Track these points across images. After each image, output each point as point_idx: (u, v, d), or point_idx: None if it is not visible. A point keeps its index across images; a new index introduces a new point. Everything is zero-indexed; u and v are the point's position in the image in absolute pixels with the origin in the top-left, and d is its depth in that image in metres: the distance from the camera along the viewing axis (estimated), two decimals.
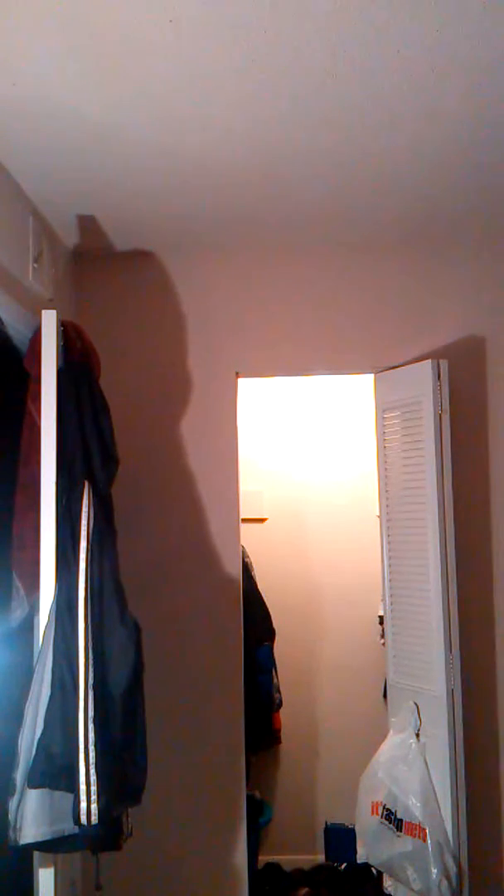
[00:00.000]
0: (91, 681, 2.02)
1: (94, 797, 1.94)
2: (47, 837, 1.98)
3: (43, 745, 1.99)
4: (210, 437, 3.01)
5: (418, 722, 2.71)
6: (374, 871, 3.05)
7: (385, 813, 2.67)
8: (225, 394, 3.03)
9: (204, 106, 1.98)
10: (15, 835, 1.97)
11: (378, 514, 3.05)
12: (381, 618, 3.39)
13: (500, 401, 3.00)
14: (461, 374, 2.90)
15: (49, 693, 2.03)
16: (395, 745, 2.77)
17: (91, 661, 2.03)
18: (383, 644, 3.14)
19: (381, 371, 3.02)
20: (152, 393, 3.02)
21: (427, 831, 2.52)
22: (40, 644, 2.10)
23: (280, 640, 3.58)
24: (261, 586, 3.56)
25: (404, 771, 2.66)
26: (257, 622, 3.41)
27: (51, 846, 2.01)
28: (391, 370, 2.98)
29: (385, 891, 2.81)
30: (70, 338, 2.31)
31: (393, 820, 2.64)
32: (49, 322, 2.21)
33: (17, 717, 2.06)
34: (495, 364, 3.00)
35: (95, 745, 1.97)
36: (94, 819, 1.94)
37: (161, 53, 1.75)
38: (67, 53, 1.75)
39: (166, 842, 2.84)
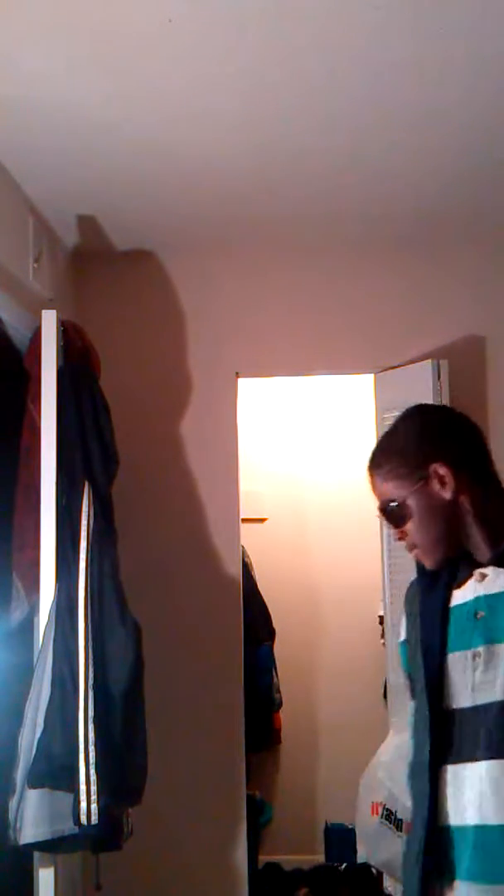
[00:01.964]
0: (91, 681, 2.02)
1: (94, 797, 1.94)
2: (47, 837, 1.98)
3: (43, 745, 1.99)
4: (210, 437, 3.01)
5: None
6: (374, 871, 3.05)
7: (385, 813, 2.66)
8: (225, 394, 3.03)
9: (203, 106, 1.98)
10: (15, 835, 1.97)
11: (378, 513, 3.04)
12: (381, 618, 3.38)
13: (500, 401, 2.99)
14: (461, 374, 2.89)
15: (49, 693, 2.03)
16: (395, 745, 2.76)
17: (91, 661, 2.03)
18: (383, 644, 3.14)
19: (381, 371, 3.01)
20: (152, 393, 3.02)
21: None
22: (40, 644, 2.10)
23: (280, 640, 3.58)
24: (261, 586, 3.56)
25: (404, 771, 2.65)
26: (257, 622, 3.41)
27: (51, 846, 2.01)
28: (391, 370, 2.97)
29: (385, 891, 2.81)
30: (70, 338, 2.31)
31: (393, 820, 2.63)
32: (49, 322, 2.21)
33: (17, 717, 2.06)
34: (495, 364, 3.00)
35: (95, 745, 1.97)
36: (94, 819, 1.94)
37: (160, 53, 1.75)
38: (67, 53, 1.75)
39: (166, 842, 2.84)
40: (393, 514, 1.35)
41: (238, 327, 3.04)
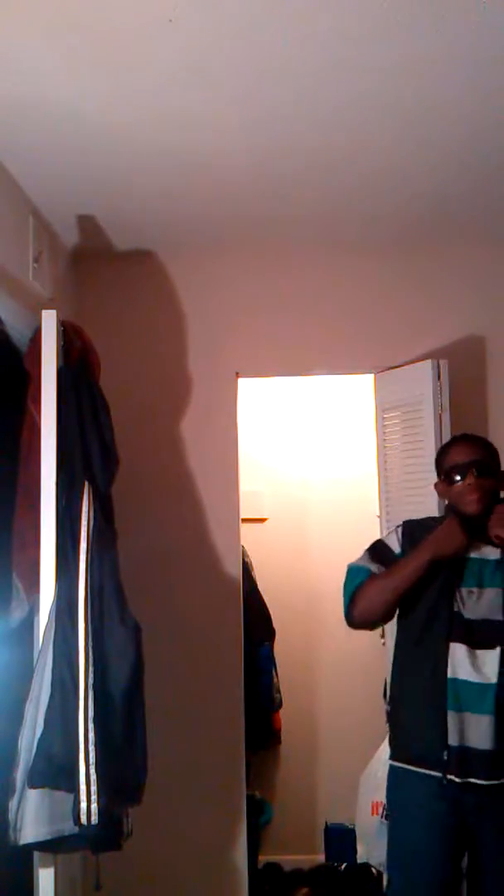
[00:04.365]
0: (91, 681, 2.02)
1: (94, 797, 1.94)
2: (47, 837, 1.98)
3: (43, 745, 1.99)
4: (210, 437, 3.01)
5: None
6: (374, 871, 3.05)
7: (385, 813, 2.66)
8: (225, 394, 3.03)
9: (204, 106, 1.98)
10: (15, 835, 1.97)
11: (378, 514, 3.05)
12: None
13: (500, 400, 3.00)
14: (461, 374, 2.89)
15: (49, 693, 2.03)
16: None
17: (91, 661, 2.03)
18: (383, 644, 3.14)
19: (381, 371, 3.01)
20: (152, 393, 3.02)
21: None
22: (40, 644, 2.10)
23: (280, 640, 3.58)
24: (261, 586, 3.55)
25: None
26: (257, 622, 3.40)
27: (51, 846, 2.01)
28: (391, 370, 2.98)
29: (385, 891, 2.80)
30: (70, 338, 2.31)
31: None
32: (49, 322, 2.21)
33: (17, 717, 2.06)
34: (495, 364, 3.00)
35: (95, 745, 1.97)
36: (94, 819, 1.94)
37: (160, 53, 1.75)
38: (67, 54, 1.75)
39: (166, 842, 2.84)
40: (492, 467, 2.07)
41: (238, 327, 3.04)
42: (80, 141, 2.14)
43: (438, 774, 1.96)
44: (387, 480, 2.97)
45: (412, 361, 2.91)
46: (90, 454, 2.23)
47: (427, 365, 2.78)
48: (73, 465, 2.18)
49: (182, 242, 2.95)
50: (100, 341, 2.48)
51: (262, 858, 3.43)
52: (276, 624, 3.56)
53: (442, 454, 2.16)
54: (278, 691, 3.56)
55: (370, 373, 3.07)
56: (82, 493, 2.16)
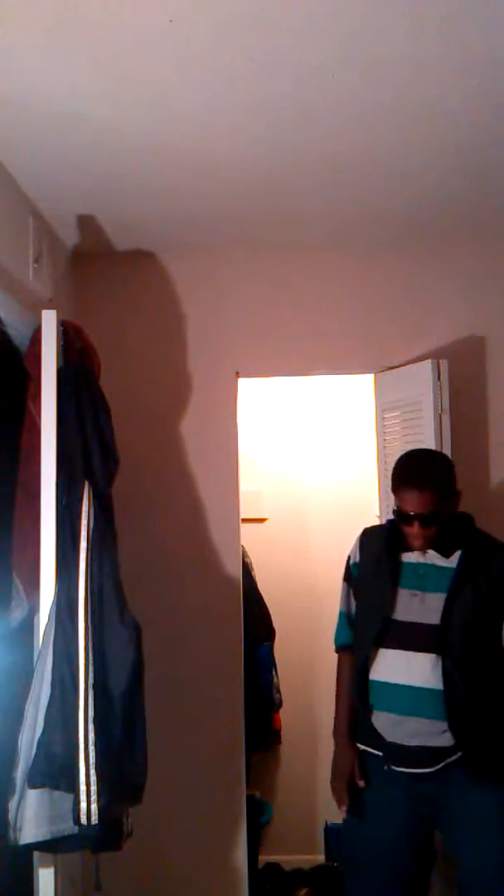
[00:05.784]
0: (91, 681, 2.02)
1: (94, 797, 1.94)
2: (47, 837, 1.98)
3: (43, 744, 1.99)
4: (210, 436, 3.01)
5: None
6: None
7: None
8: (225, 393, 3.03)
9: (204, 106, 1.98)
10: (15, 835, 1.97)
11: (378, 514, 3.05)
12: None
13: (500, 400, 3.00)
14: (461, 374, 2.89)
15: (49, 693, 2.03)
16: None
17: (91, 661, 2.03)
18: None
19: (381, 371, 3.01)
20: (152, 393, 3.02)
21: None
22: (40, 644, 2.10)
23: (280, 640, 3.58)
24: (261, 586, 3.55)
25: None
26: (257, 622, 3.40)
27: (51, 846, 2.01)
28: (391, 370, 2.98)
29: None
30: (70, 338, 2.31)
31: None
32: (49, 322, 2.21)
33: (18, 717, 2.06)
34: (495, 364, 3.00)
35: (95, 745, 1.97)
36: (94, 819, 1.94)
37: (161, 53, 1.75)
38: (67, 53, 1.74)
39: (166, 842, 2.84)
40: (437, 516, 2.09)
41: (238, 327, 3.04)
42: (80, 141, 2.14)
43: (381, 754, 2.10)
44: (387, 481, 2.96)
45: (412, 361, 2.91)
46: (90, 454, 2.23)
47: (427, 365, 2.78)
48: (73, 465, 2.18)
49: (182, 242, 2.96)
50: (100, 341, 2.48)
51: (262, 858, 3.42)
52: (276, 624, 3.55)
53: (395, 481, 2.18)
54: (278, 691, 3.56)
55: (370, 373, 3.07)
56: (82, 493, 2.16)
